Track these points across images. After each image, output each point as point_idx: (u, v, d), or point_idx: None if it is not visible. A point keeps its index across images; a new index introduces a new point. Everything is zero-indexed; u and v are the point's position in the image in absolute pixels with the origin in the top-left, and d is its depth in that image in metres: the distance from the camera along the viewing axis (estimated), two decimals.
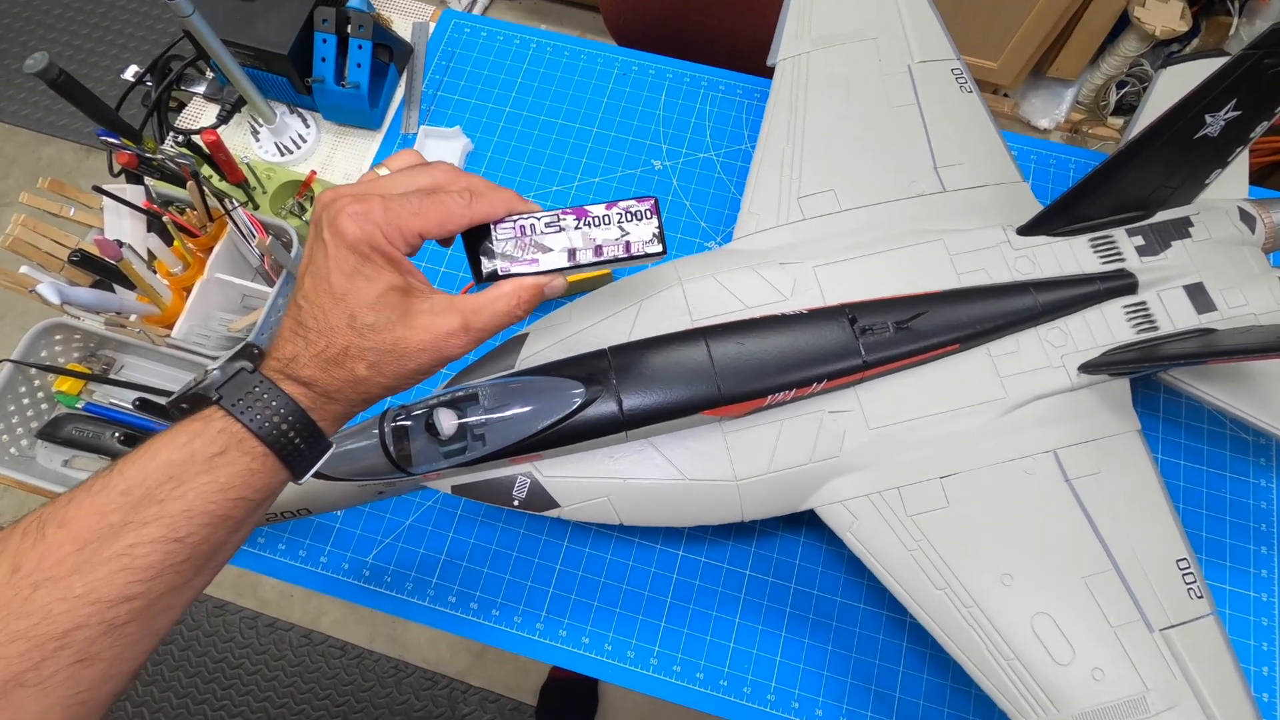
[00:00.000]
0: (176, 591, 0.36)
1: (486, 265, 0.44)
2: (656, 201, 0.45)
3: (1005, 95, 1.91)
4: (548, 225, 0.44)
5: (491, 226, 0.43)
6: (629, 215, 0.44)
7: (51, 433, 0.76)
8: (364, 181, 0.41)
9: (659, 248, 0.45)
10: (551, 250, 0.44)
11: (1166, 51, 1.74)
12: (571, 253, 0.44)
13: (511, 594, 0.73)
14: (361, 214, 0.38)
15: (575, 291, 0.81)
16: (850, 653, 0.70)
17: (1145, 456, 0.61)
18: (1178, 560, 0.58)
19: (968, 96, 0.73)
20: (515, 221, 0.43)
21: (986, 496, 0.59)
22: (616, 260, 0.45)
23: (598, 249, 0.44)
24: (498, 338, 0.81)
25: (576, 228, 0.44)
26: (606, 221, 0.44)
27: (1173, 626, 0.55)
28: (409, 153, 0.44)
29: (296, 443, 0.39)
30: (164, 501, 0.35)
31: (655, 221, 0.44)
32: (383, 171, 0.42)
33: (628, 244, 0.44)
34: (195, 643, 1.58)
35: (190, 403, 0.39)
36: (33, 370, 0.75)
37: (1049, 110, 1.88)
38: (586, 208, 0.44)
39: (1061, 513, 0.58)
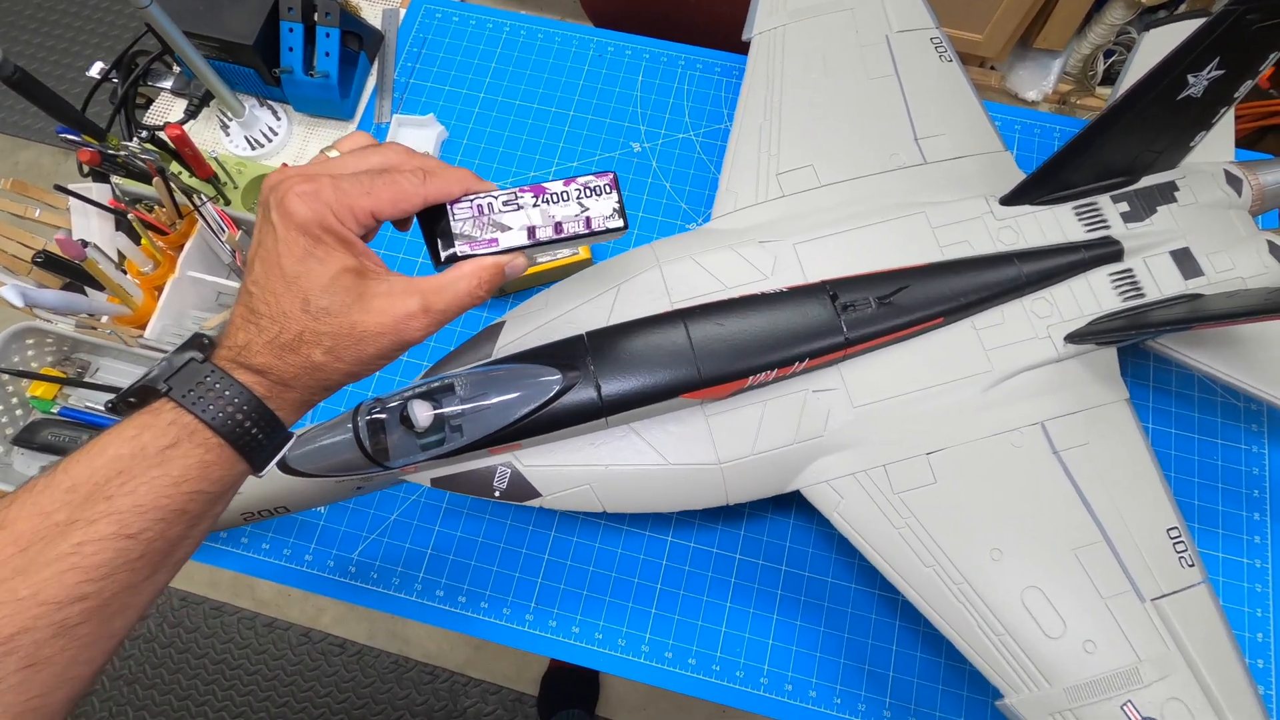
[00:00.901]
0: (133, 590, 0.35)
1: (444, 247, 0.42)
2: (615, 176, 0.44)
3: (992, 68, 1.89)
4: (505, 204, 0.43)
5: (448, 207, 0.42)
6: (588, 191, 0.43)
7: (27, 439, 0.75)
8: (314, 163, 0.40)
9: (620, 223, 0.44)
10: (510, 229, 0.43)
11: (1153, 19, 1.72)
12: (531, 230, 0.43)
13: (500, 586, 0.72)
14: (310, 194, 0.37)
15: (553, 277, 0.79)
16: (843, 633, 0.69)
17: (1134, 426, 0.60)
18: (1168, 529, 0.57)
19: (948, 66, 0.71)
20: (472, 201, 0.42)
21: (974, 471, 0.58)
22: (577, 237, 0.44)
23: (557, 226, 0.43)
24: (474, 326, 0.80)
25: (535, 205, 0.43)
26: (565, 198, 0.43)
27: (1164, 596, 0.55)
28: (360, 134, 0.43)
29: (254, 432, 0.37)
30: (113, 497, 0.34)
31: (615, 196, 0.44)
32: (333, 154, 0.41)
33: (588, 220, 0.43)
34: (194, 644, 1.58)
35: (138, 396, 0.38)
36: (5, 376, 0.74)
37: (1036, 82, 1.86)
38: (544, 185, 0.43)
39: (1050, 485, 0.58)
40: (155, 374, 0.37)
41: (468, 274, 0.41)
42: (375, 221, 0.39)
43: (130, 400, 0.38)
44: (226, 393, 0.37)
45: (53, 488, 0.34)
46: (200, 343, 0.39)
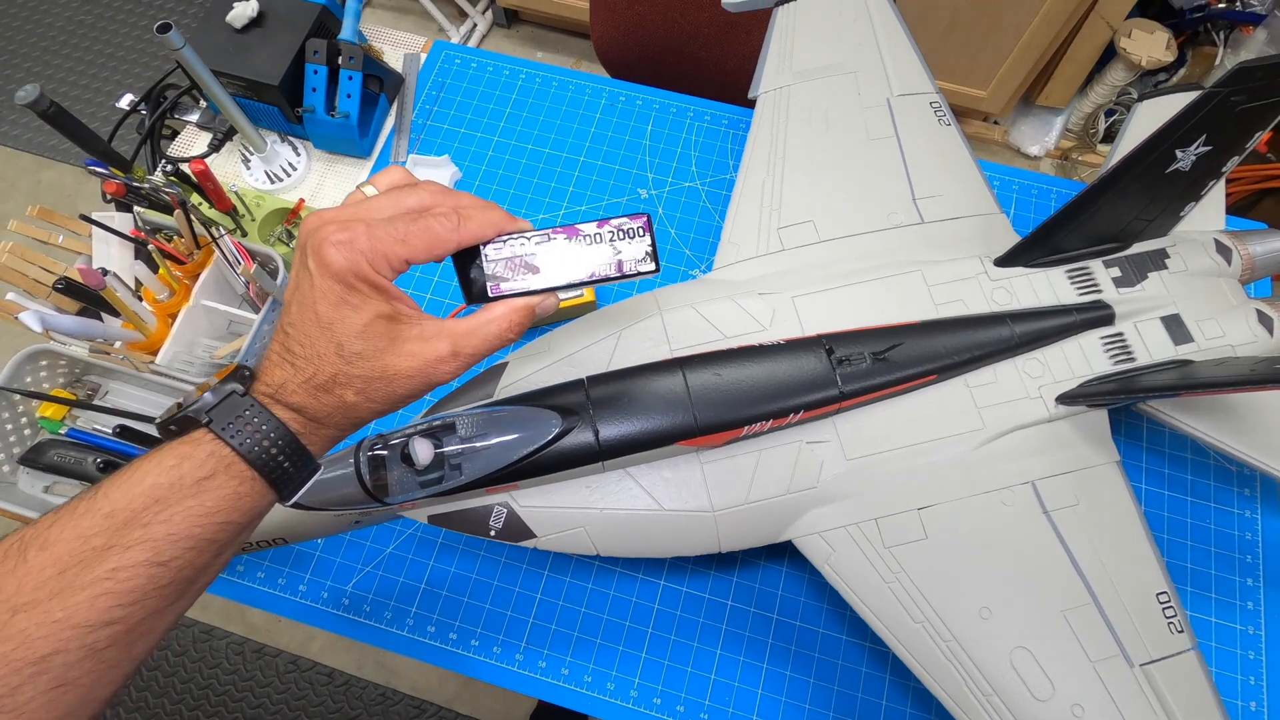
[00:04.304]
0: (158, 615, 0.36)
1: (476, 286, 0.43)
2: (649, 219, 0.43)
3: (995, 123, 1.93)
4: (538, 244, 0.43)
5: (481, 246, 0.42)
6: (621, 233, 0.43)
7: (34, 458, 0.76)
8: (349, 204, 0.41)
9: (651, 266, 0.43)
10: (542, 270, 0.43)
11: (1154, 81, 1.77)
12: (563, 272, 0.43)
13: (492, 624, 0.72)
14: (346, 243, 0.37)
15: (557, 319, 0.81)
16: (833, 685, 0.69)
17: (1124, 488, 0.61)
18: (1158, 594, 0.57)
19: (946, 129, 0.73)
20: (505, 241, 0.42)
21: (964, 528, 0.59)
22: (608, 279, 0.44)
23: (589, 268, 0.43)
24: (480, 364, 0.82)
25: (568, 247, 0.43)
26: (598, 240, 0.43)
27: (1153, 661, 0.55)
28: (396, 170, 0.43)
29: (285, 465, 0.39)
30: (149, 525, 0.35)
31: (648, 239, 0.43)
32: (369, 190, 0.41)
33: (620, 263, 0.43)
34: (181, 668, 1.56)
35: (179, 424, 0.39)
36: (16, 396, 0.75)
37: (1039, 138, 1.90)
38: (578, 226, 0.43)
39: (1040, 545, 0.58)
40: (199, 405, 0.38)
41: (498, 317, 0.42)
42: (409, 266, 0.40)
43: (171, 428, 0.39)
44: (264, 427, 0.38)
45: (93, 512, 0.35)
46: (242, 375, 0.40)
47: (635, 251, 0.43)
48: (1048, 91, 1.79)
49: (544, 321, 0.82)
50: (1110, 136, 1.86)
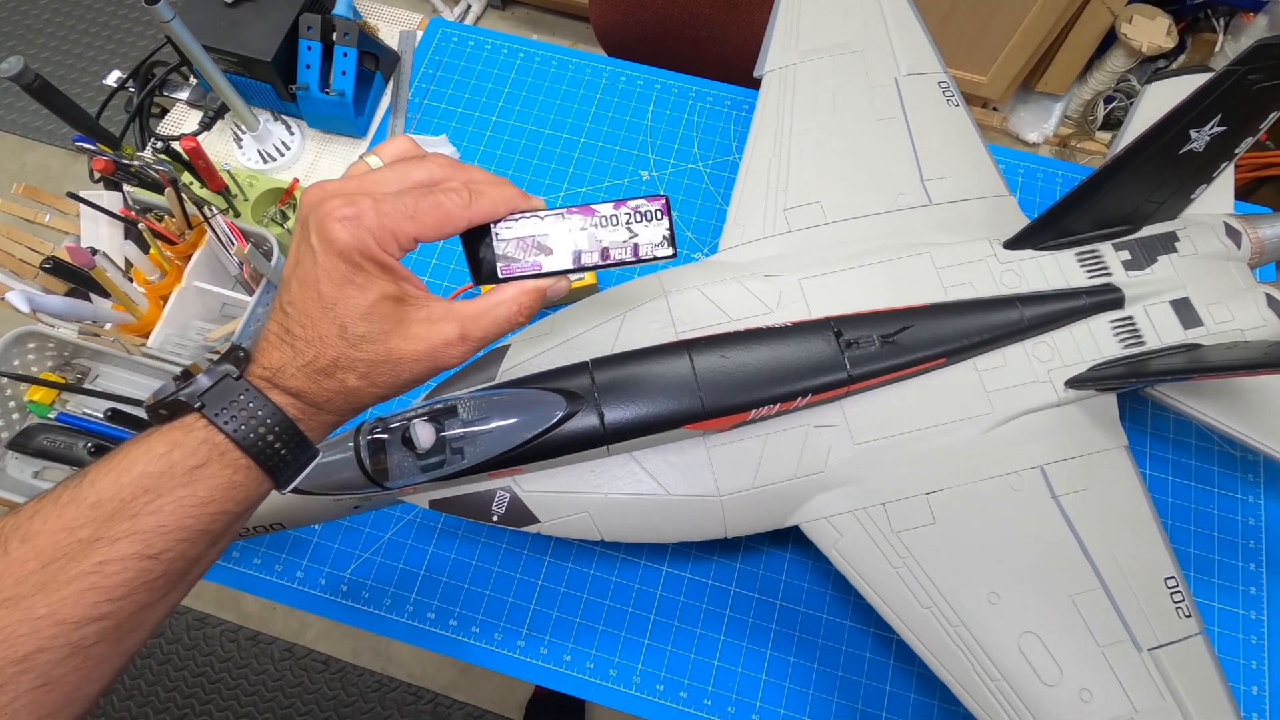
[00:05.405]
0: (149, 609, 0.35)
1: (486, 267, 0.41)
2: (668, 201, 0.41)
3: (995, 109, 1.92)
4: (552, 224, 0.41)
5: (492, 225, 0.40)
6: (638, 215, 0.41)
7: (23, 443, 0.74)
8: (353, 175, 0.38)
9: (669, 250, 0.41)
10: (555, 252, 0.41)
11: (1153, 68, 1.76)
12: (577, 255, 0.41)
13: (492, 610, 0.71)
14: (352, 219, 0.35)
15: (560, 301, 0.80)
16: (836, 671, 0.69)
17: (1133, 473, 0.61)
18: (1166, 578, 0.57)
19: (954, 110, 0.72)
20: (517, 219, 0.40)
21: (973, 513, 0.58)
22: (624, 263, 0.42)
23: (604, 251, 0.41)
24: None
25: (582, 228, 0.41)
26: (614, 222, 0.41)
27: (1161, 646, 0.55)
28: (403, 140, 0.40)
29: (282, 453, 0.37)
30: (138, 516, 0.33)
31: (666, 223, 0.41)
32: (373, 161, 0.39)
33: (636, 246, 0.41)
34: (175, 656, 1.55)
35: (169, 408, 0.36)
36: (4, 379, 0.73)
37: (1038, 124, 1.89)
38: (593, 206, 0.41)
39: (1048, 530, 0.58)
40: (191, 389, 0.36)
41: (508, 300, 0.40)
42: (417, 244, 0.38)
43: (161, 412, 0.37)
44: (260, 413, 0.36)
45: (78, 501, 0.33)
46: (236, 356, 0.37)
47: (652, 235, 0.41)
48: (1047, 78, 1.78)
49: (551, 304, 0.80)
50: (1109, 123, 1.85)
